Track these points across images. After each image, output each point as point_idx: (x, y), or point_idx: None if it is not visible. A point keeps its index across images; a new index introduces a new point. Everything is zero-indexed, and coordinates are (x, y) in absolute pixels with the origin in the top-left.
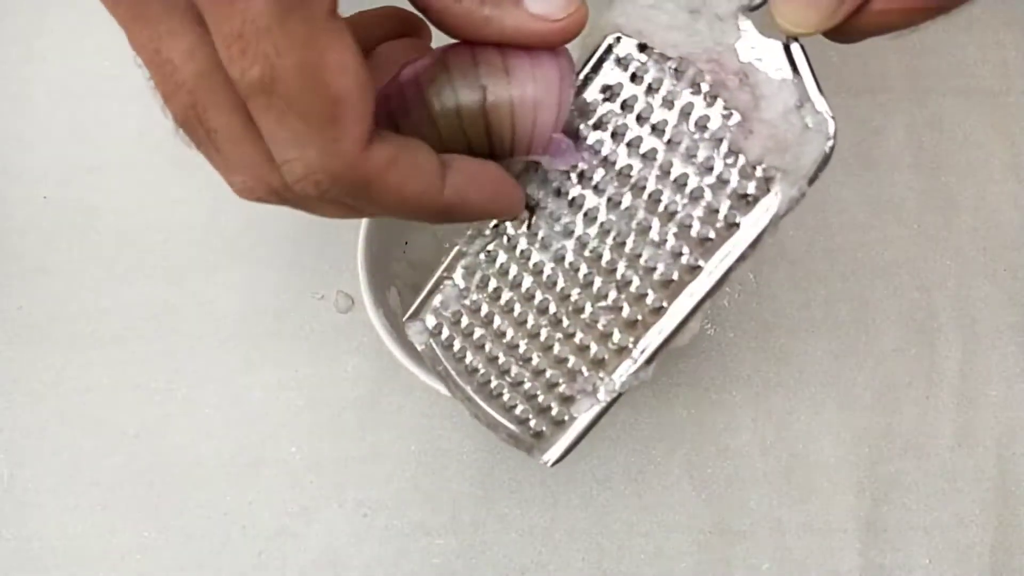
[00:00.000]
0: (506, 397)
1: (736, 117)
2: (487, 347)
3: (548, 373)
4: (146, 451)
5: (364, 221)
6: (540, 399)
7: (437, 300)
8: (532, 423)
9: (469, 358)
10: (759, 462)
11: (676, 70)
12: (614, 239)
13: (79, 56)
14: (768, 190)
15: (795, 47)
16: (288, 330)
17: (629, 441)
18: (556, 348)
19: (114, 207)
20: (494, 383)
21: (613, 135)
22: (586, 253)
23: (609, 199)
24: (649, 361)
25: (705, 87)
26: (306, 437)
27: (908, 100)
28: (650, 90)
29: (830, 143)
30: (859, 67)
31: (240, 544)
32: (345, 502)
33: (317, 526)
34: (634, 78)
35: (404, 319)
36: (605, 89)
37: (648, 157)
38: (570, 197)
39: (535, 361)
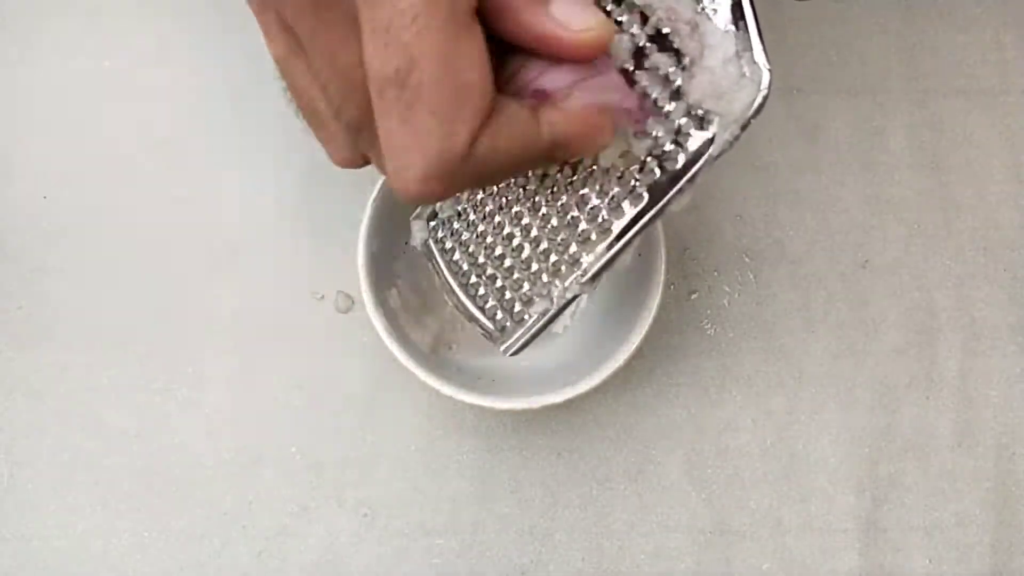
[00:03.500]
0: (482, 293)
1: (687, 62)
2: (472, 249)
3: (516, 275)
4: (146, 451)
5: (364, 221)
6: (508, 297)
7: (437, 204)
8: (499, 318)
9: (457, 256)
10: (759, 462)
11: (642, 14)
12: (583, 166)
13: (79, 56)
14: (704, 132)
15: (744, 0)
16: (288, 330)
17: (629, 441)
18: (525, 253)
19: (114, 207)
20: (473, 280)
21: None
22: (559, 174)
23: None
24: (595, 275)
25: (665, 30)
26: (306, 437)
27: (908, 100)
28: (620, 30)
29: (763, 93)
30: (859, 67)
31: (240, 544)
32: (345, 502)
33: (317, 526)
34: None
35: (411, 217)
36: None
37: None
38: None
39: (507, 263)
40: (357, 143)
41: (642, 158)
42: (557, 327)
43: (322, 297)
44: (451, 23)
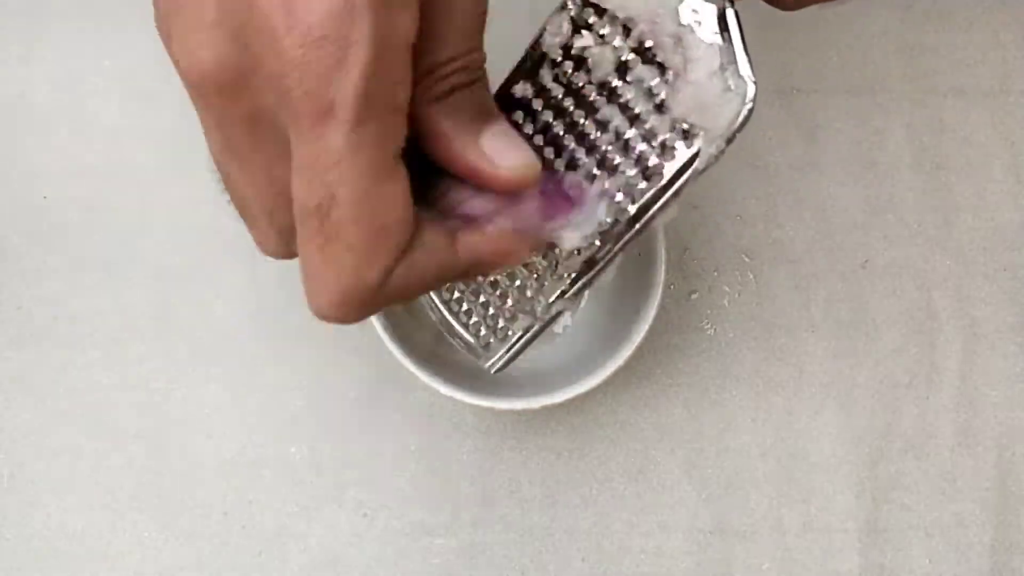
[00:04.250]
0: (465, 308)
1: (670, 75)
2: None
3: (499, 290)
4: (146, 451)
5: None
6: (491, 313)
7: None
8: (482, 334)
9: None
10: (759, 462)
11: (625, 27)
12: None
13: (79, 56)
14: (690, 146)
15: (729, 12)
16: (288, 330)
17: (629, 441)
18: (509, 269)
19: (114, 207)
20: (456, 295)
21: (565, 86)
22: None
23: (556, 146)
24: (579, 292)
25: (648, 43)
26: (306, 437)
27: (908, 100)
28: (602, 43)
29: (748, 106)
30: (859, 67)
31: (240, 544)
32: (345, 502)
33: (317, 526)
34: (584, 32)
35: None
36: (561, 47)
37: (590, 107)
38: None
39: (491, 277)
40: (289, 244)
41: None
42: (557, 327)
43: None
44: (374, 168)
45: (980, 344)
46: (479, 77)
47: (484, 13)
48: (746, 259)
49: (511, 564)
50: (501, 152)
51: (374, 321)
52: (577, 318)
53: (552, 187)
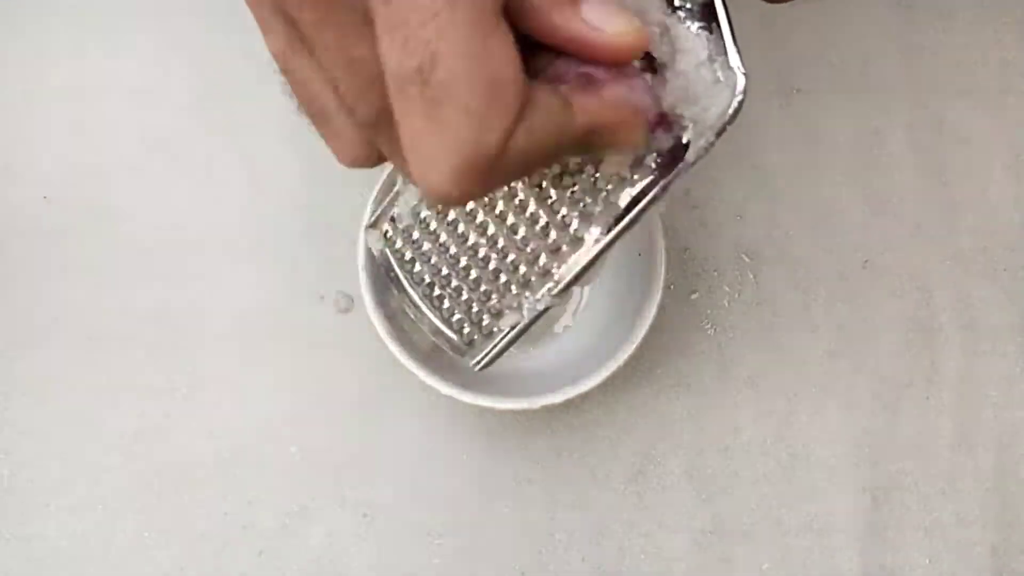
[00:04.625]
0: (447, 306)
1: (657, 66)
2: (433, 259)
3: (483, 288)
4: (146, 451)
5: (364, 221)
6: (475, 310)
7: (394, 212)
8: (466, 331)
9: (418, 267)
10: (759, 462)
11: None
12: (551, 171)
13: (80, 56)
14: (680, 138)
15: (717, 2)
16: (288, 330)
17: (629, 441)
18: (492, 264)
19: (115, 207)
20: (437, 292)
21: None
22: (524, 182)
23: None
24: (566, 288)
25: None
26: (306, 437)
27: (908, 100)
28: None
29: (739, 98)
30: (859, 67)
31: (240, 544)
32: (345, 502)
33: (317, 526)
34: None
35: (364, 226)
36: None
37: None
38: None
39: (473, 275)
40: (372, 141)
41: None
42: (557, 327)
43: (322, 297)
44: (475, 19)
45: (980, 344)
46: None
47: None
48: (746, 259)
49: (511, 564)
50: (605, 18)
51: (374, 321)
52: (577, 318)
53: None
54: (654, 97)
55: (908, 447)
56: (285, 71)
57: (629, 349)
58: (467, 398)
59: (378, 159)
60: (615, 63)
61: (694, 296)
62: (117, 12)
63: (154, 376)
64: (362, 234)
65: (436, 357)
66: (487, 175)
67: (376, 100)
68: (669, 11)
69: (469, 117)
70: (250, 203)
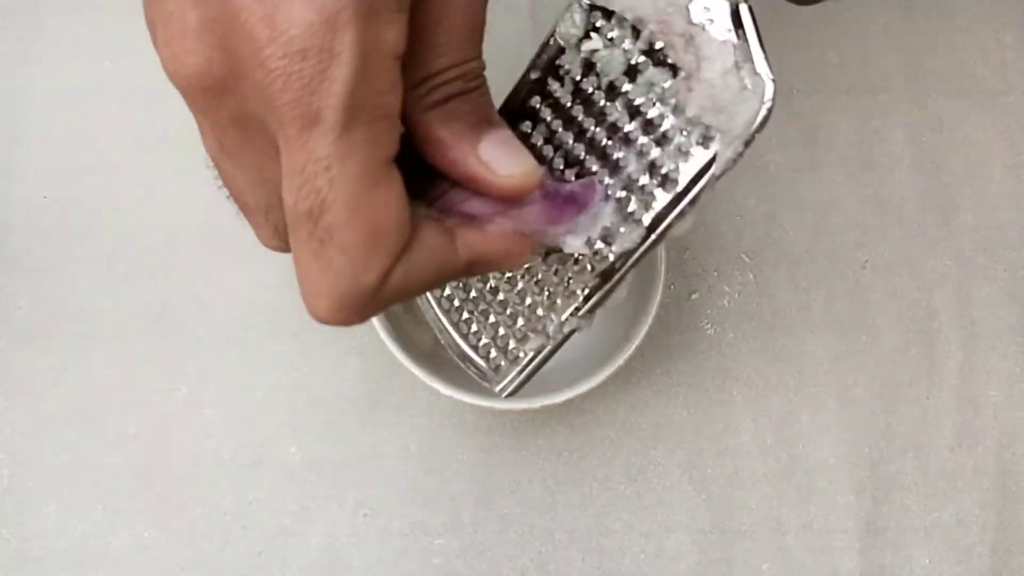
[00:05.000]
0: (474, 330)
1: (682, 75)
2: (464, 283)
3: (509, 310)
4: (146, 451)
5: None
6: (501, 333)
7: None
8: (493, 356)
9: (448, 291)
10: (759, 462)
11: (634, 29)
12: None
13: (79, 56)
14: (706, 149)
15: (743, 8)
16: (288, 330)
17: (629, 441)
18: (519, 286)
19: (114, 207)
20: (465, 316)
21: (571, 92)
22: None
23: (566, 154)
24: (592, 309)
25: (659, 45)
26: (306, 437)
27: (908, 100)
28: (611, 46)
29: (767, 105)
30: (859, 67)
31: (240, 544)
32: (345, 502)
33: (317, 526)
34: (593, 35)
35: None
36: (566, 48)
37: (600, 113)
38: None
39: (500, 296)
40: (286, 239)
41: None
42: None
43: None
44: (364, 173)
45: (980, 344)
46: (477, 85)
47: (481, 23)
48: (746, 259)
49: (511, 564)
50: (500, 159)
51: (374, 321)
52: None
53: (555, 191)
54: (548, 218)
55: (908, 447)
56: (216, 167)
57: (629, 349)
58: (467, 398)
59: (289, 247)
60: (506, 201)
61: (694, 296)
62: (117, 11)
63: (154, 376)
64: None
65: (436, 357)
66: (364, 308)
67: (282, 214)
68: (694, 20)
69: (349, 259)
70: None
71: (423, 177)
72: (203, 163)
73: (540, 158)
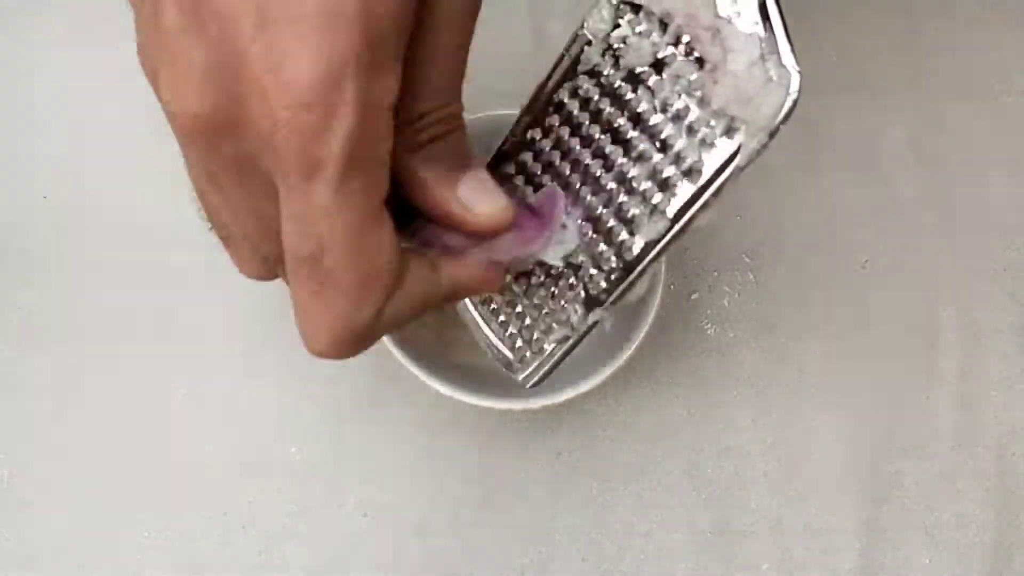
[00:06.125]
0: (501, 319)
1: (709, 68)
2: None
3: (535, 300)
4: (146, 451)
5: None
6: (527, 323)
7: None
8: (519, 347)
9: None
10: (759, 462)
11: (661, 22)
12: (600, 186)
13: (79, 56)
14: (731, 140)
15: (771, 1)
16: (288, 330)
17: (629, 441)
18: (543, 276)
19: (114, 207)
20: (494, 305)
21: (598, 86)
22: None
23: (591, 144)
24: (616, 300)
25: (686, 39)
26: (306, 437)
27: (908, 100)
28: (640, 38)
29: (792, 97)
30: (859, 67)
31: (240, 544)
32: (345, 502)
33: (317, 526)
34: (622, 22)
35: None
36: (593, 43)
37: (626, 105)
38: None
39: (526, 287)
40: (271, 266)
41: (662, 171)
42: None
43: None
44: (361, 218)
45: (980, 344)
46: (456, 127)
47: (462, 68)
48: (746, 259)
49: (511, 564)
50: (476, 200)
51: None
52: None
53: (526, 219)
54: (520, 243)
55: (908, 447)
56: (202, 201)
57: (629, 349)
58: (467, 398)
59: (274, 276)
60: (481, 237)
61: (694, 296)
62: (117, 11)
63: (154, 376)
64: None
65: (436, 357)
66: (360, 343)
67: (277, 246)
68: (720, 13)
69: (347, 299)
70: None
71: (406, 209)
72: (188, 197)
73: (559, 157)
